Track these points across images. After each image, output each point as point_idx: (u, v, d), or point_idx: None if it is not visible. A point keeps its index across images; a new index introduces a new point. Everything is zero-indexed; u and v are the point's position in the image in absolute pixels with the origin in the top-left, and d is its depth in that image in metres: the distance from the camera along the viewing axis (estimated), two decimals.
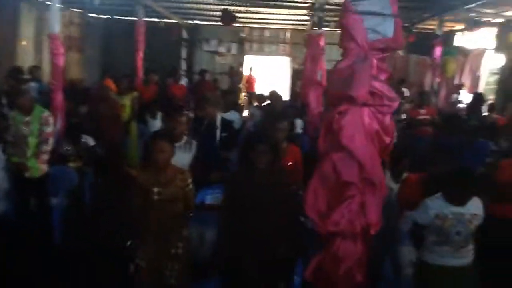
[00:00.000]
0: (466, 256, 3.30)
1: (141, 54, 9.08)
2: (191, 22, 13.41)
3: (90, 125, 6.10)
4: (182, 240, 3.52)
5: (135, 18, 9.49)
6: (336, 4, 9.14)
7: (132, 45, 9.46)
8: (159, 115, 8.17)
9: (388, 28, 2.19)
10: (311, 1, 9.00)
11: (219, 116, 5.43)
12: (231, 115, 6.62)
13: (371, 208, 2.24)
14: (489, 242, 3.44)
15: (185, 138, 4.42)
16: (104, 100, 6.66)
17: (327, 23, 8.54)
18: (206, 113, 5.36)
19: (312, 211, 2.30)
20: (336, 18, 10.59)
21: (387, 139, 2.28)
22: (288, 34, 14.59)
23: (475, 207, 3.28)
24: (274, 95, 7.48)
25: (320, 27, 6.51)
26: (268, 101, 8.34)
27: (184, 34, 14.03)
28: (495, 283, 3.52)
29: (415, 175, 4.19)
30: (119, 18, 13.10)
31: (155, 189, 3.36)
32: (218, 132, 5.30)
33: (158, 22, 12.00)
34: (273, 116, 4.86)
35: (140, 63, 9.10)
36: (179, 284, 3.50)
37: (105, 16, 13.59)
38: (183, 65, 13.72)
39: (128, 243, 3.45)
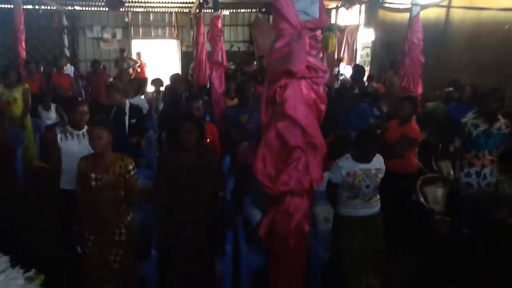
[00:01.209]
0: (375, 206, 3.82)
1: (23, 44, 8.47)
2: (71, 8, 12.68)
3: None
4: (125, 227, 3.52)
5: (11, 6, 8.79)
6: None
7: (7, 34, 8.77)
8: (53, 106, 7.86)
9: (315, 9, 2.52)
10: None
11: (127, 103, 5.43)
12: (137, 101, 6.59)
13: (314, 167, 2.59)
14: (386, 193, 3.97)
15: (85, 127, 4.41)
16: None
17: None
18: (115, 100, 5.32)
19: (262, 175, 2.58)
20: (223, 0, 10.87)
21: (322, 106, 2.64)
22: (174, 17, 14.50)
23: (378, 162, 3.79)
24: (176, 78, 7.55)
25: (216, 10, 6.69)
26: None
27: (65, 21, 13.25)
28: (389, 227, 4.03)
29: None
30: None
31: (93, 175, 3.37)
32: (126, 119, 5.31)
33: (36, 9, 11.17)
34: (188, 97, 5.05)
35: (23, 53, 8.50)
36: (122, 269, 3.53)
37: None
38: (67, 53, 12.98)
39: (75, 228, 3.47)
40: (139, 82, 8.11)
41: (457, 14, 7.94)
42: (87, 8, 12.98)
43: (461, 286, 4.06)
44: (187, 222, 3.56)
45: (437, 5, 7.79)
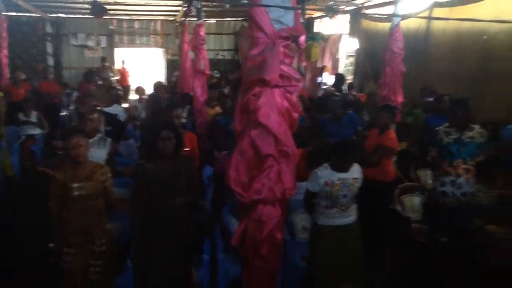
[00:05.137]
0: (352, 215, 3.83)
1: (5, 52, 8.40)
2: (55, 15, 12.62)
3: None
4: (105, 236, 3.49)
5: None
6: None
7: None
8: (34, 114, 7.78)
9: (289, 18, 2.55)
10: None
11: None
12: (113, 109, 6.56)
13: (286, 175, 2.60)
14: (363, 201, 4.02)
15: (98, 134, 4.40)
16: None
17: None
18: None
19: (235, 184, 2.58)
20: (208, 9, 10.92)
21: (295, 115, 2.65)
22: (158, 25, 14.51)
23: (356, 171, 3.81)
24: (158, 86, 7.54)
25: (200, 18, 6.70)
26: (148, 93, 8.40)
27: (49, 29, 13.17)
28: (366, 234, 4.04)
29: (298, 150, 4.69)
30: None
31: (75, 185, 3.31)
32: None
33: (19, 16, 11.11)
34: (168, 105, 5.04)
35: (5, 60, 8.42)
36: (102, 280, 3.50)
37: None
38: (50, 61, 12.90)
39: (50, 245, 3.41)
40: (122, 90, 8.10)
41: (438, 24, 8.05)
42: (71, 16, 12.94)
43: None
44: (163, 232, 3.52)
45: (417, 16, 7.90)
